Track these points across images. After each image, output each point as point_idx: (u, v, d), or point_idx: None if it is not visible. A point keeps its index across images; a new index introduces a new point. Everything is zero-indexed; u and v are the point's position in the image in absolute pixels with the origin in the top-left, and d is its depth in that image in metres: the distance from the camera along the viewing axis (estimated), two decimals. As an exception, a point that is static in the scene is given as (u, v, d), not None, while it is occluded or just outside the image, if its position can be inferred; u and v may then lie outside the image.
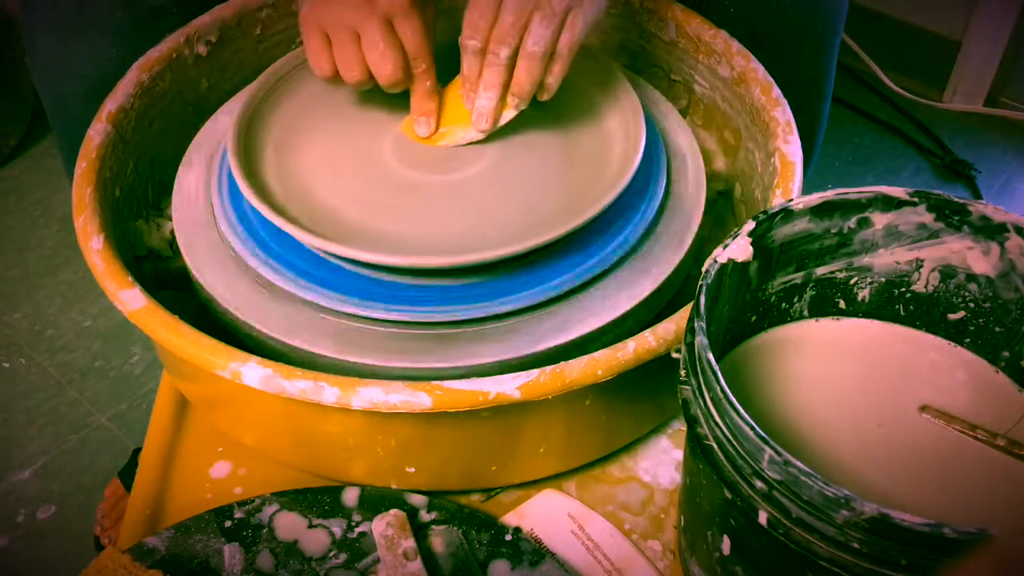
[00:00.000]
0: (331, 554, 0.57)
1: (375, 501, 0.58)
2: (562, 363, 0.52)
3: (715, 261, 0.46)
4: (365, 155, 0.63)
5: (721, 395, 0.41)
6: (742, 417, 0.39)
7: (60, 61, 0.74)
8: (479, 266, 0.56)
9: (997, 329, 0.50)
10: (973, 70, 1.52)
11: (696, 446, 0.44)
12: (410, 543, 0.55)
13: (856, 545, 0.38)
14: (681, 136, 0.67)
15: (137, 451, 1.05)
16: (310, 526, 0.58)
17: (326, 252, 0.58)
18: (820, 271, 0.52)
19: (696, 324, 0.43)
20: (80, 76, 0.73)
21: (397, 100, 0.66)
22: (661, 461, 0.64)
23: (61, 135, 0.81)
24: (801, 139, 0.63)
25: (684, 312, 0.54)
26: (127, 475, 1.03)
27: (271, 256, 0.59)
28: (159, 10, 0.73)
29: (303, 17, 0.60)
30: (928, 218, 0.49)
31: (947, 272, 0.51)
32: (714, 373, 0.41)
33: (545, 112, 0.66)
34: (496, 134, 0.63)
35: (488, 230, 0.58)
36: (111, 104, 0.66)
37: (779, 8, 0.73)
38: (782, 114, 0.64)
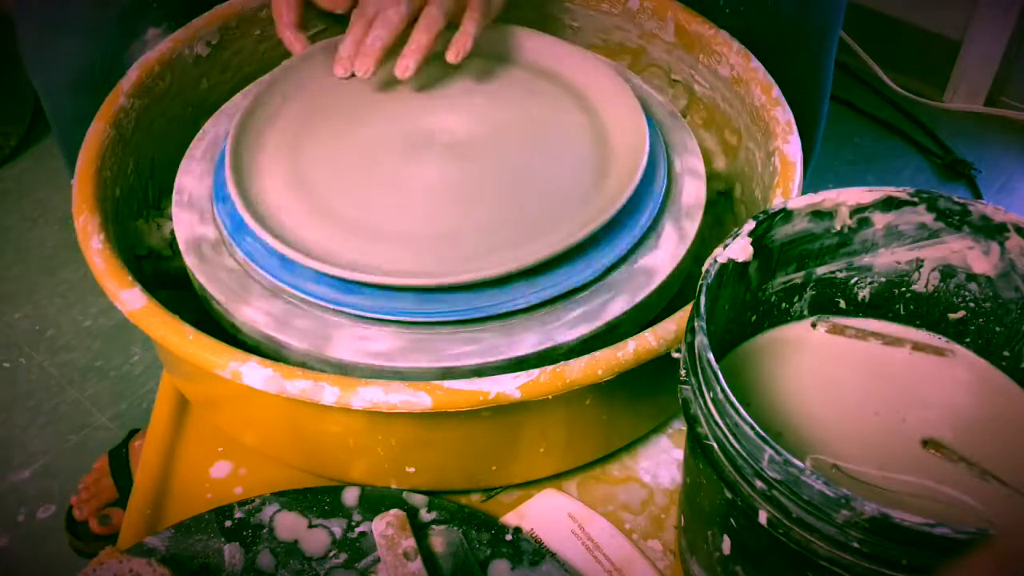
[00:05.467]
0: (331, 554, 0.57)
1: (375, 501, 0.58)
2: (562, 363, 0.52)
3: (715, 261, 0.46)
4: (370, 158, 0.63)
5: (721, 395, 0.41)
6: (742, 417, 0.39)
7: (46, 53, 0.74)
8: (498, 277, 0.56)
9: (997, 329, 0.50)
10: (973, 70, 1.51)
11: (696, 446, 0.44)
12: (410, 543, 0.55)
13: (856, 545, 0.38)
14: (681, 135, 0.67)
15: (133, 431, 1.04)
16: (310, 526, 0.58)
17: (338, 277, 0.56)
18: (820, 271, 0.52)
19: (696, 324, 0.43)
20: (65, 68, 0.73)
21: (397, 100, 0.66)
22: (661, 461, 0.64)
23: (53, 125, 0.82)
24: (800, 138, 0.63)
25: (684, 312, 0.54)
26: (116, 454, 1.03)
27: (256, 261, 0.59)
28: (140, 4, 0.73)
29: None
30: (928, 218, 0.49)
31: (947, 272, 0.51)
32: (714, 373, 0.41)
33: (547, 111, 0.66)
34: (501, 132, 0.64)
35: (501, 228, 0.58)
36: (111, 104, 0.66)
37: (774, 7, 0.73)
38: (782, 114, 0.64)
